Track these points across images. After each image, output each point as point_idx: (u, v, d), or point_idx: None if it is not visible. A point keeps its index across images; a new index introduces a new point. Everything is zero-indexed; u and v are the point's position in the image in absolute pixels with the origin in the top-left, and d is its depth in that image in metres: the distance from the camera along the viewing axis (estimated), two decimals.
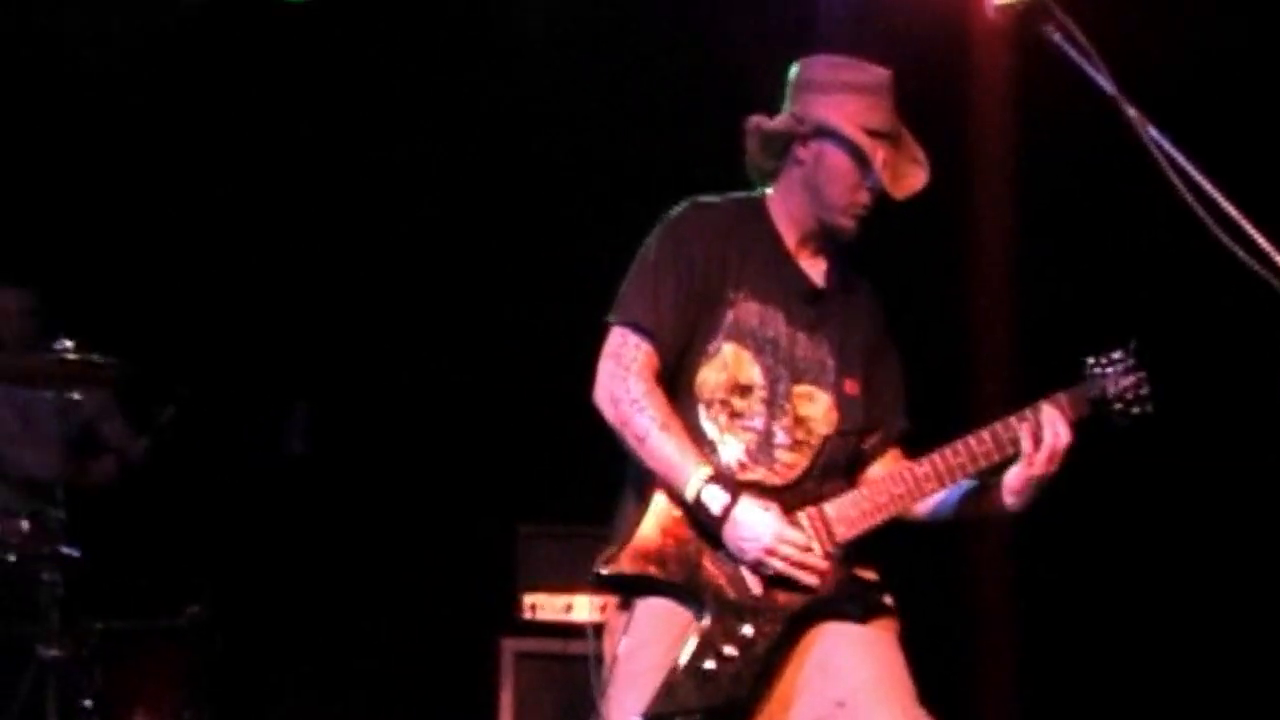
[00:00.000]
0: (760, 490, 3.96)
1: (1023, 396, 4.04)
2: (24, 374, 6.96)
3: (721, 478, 3.93)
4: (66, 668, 6.29)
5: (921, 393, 4.36)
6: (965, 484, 4.08)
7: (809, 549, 3.93)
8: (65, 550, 6.46)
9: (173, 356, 7.43)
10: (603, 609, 4.83)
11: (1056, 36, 3.29)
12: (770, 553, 3.89)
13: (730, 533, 3.90)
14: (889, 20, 5.97)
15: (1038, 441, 3.93)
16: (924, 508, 4.14)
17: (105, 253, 7.91)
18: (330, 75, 7.71)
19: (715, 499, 3.90)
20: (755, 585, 3.94)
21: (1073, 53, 3.27)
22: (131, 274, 7.93)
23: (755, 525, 3.89)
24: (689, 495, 3.91)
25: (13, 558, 6.52)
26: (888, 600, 4.08)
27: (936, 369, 4.93)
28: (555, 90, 7.48)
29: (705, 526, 3.94)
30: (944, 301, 6.51)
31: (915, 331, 4.43)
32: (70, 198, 7.96)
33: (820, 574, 3.94)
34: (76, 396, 6.85)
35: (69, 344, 6.56)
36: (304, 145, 7.79)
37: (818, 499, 4.01)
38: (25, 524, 6.61)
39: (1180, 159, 3.18)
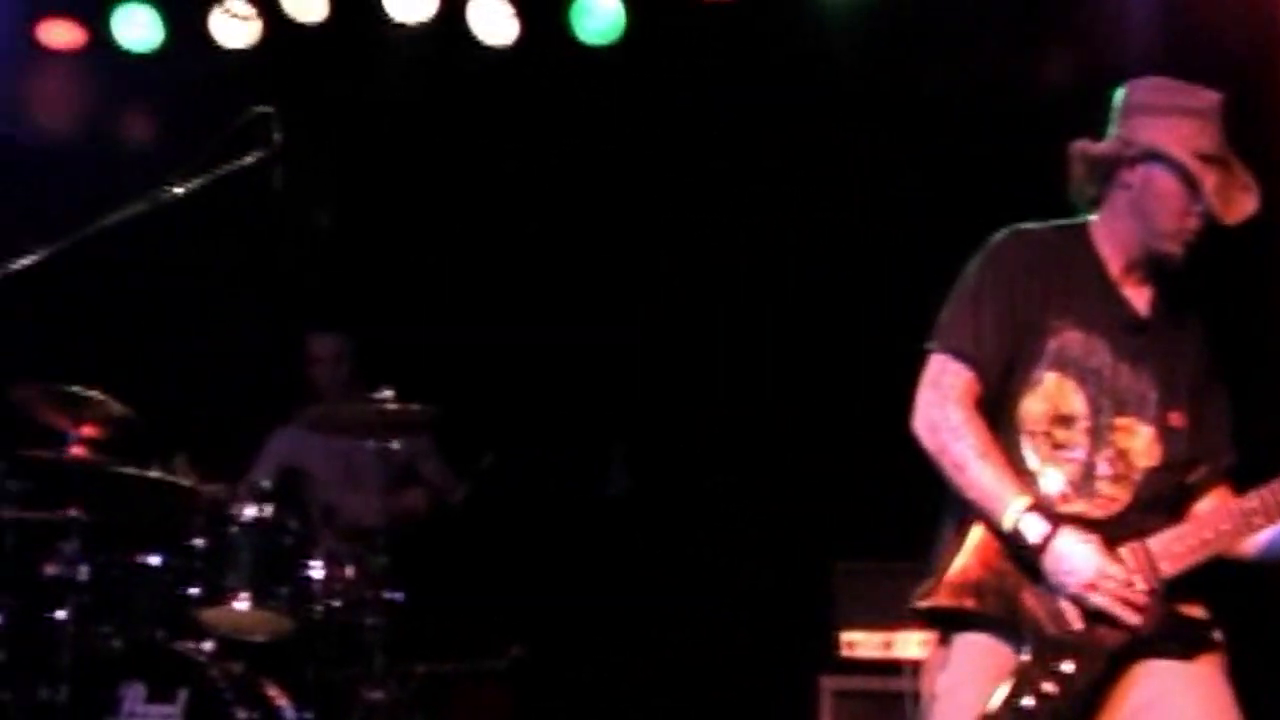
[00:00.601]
0: (1082, 523, 3.85)
1: None
2: (346, 424, 7.10)
3: (1040, 508, 3.81)
4: (390, 710, 6.36)
5: (1248, 425, 4.18)
6: None
7: (1131, 584, 3.79)
8: (388, 595, 6.55)
9: (493, 402, 7.54)
10: (925, 645, 4.73)
11: None
12: (1091, 587, 3.77)
13: (1050, 565, 3.79)
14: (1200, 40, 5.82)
15: None
16: (1252, 545, 3.98)
17: (420, 298, 8.06)
18: (638, 112, 7.76)
19: (1033, 529, 3.79)
20: (1076, 620, 3.81)
21: None
22: (447, 318, 8.06)
23: (1075, 558, 3.77)
24: (1006, 525, 3.81)
25: (338, 603, 6.64)
26: (1216, 636, 3.91)
27: (1263, 400, 4.73)
28: (869, 119, 7.44)
29: (1025, 559, 3.82)
30: (1267, 329, 6.28)
31: (1238, 361, 4.25)
32: (384, 245, 8.14)
33: (1142, 610, 3.79)
34: (395, 445, 6.94)
35: (388, 393, 6.67)
36: (613, 185, 7.84)
37: (1140, 533, 3.88)
38: (350, 570, 6.73)
39: None
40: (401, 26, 7.86)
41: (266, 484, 6.95)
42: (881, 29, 7.41)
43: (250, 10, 7.99)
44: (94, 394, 6.58)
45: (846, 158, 7.51)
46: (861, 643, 6.58)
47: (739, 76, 7.67)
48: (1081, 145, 4.09)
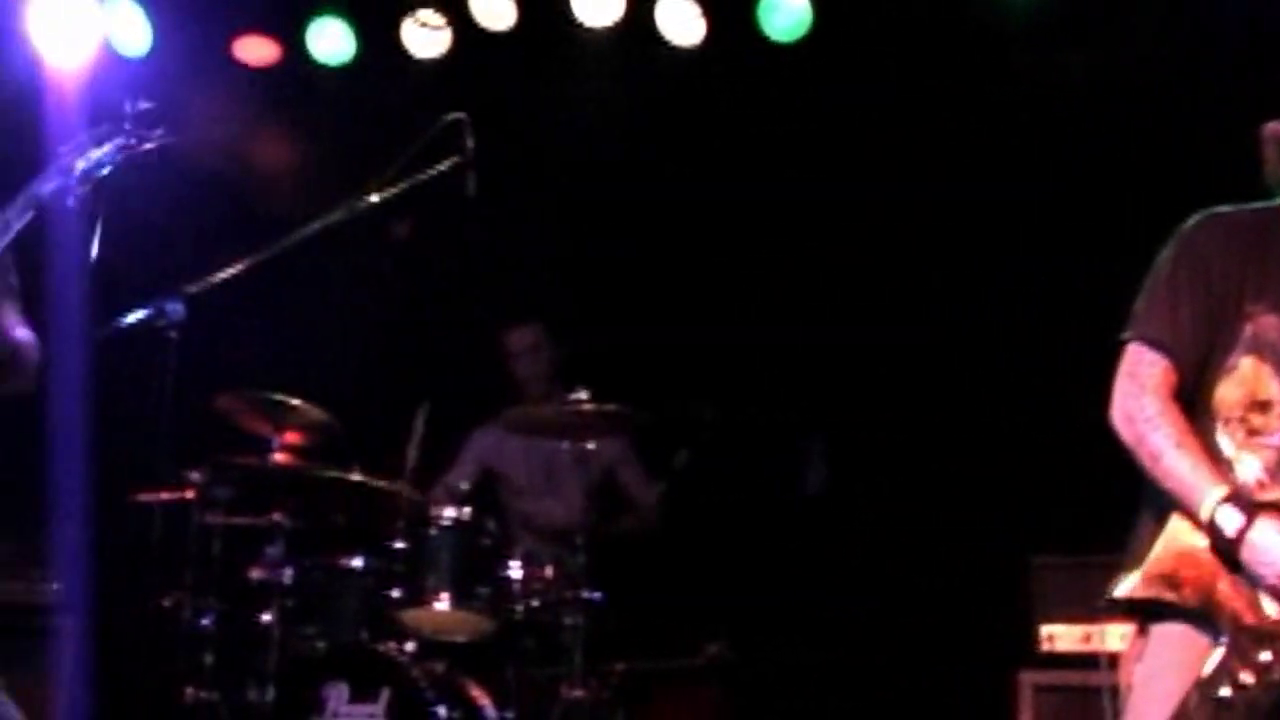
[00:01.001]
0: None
1: None
2: (543, 426, 7.16)
3: (1237, 498, 3.73)
4: (590, 709, 6.40)
5: None
6: None
7: None
8: (587, 595, 6.58)
9: (687, 400, 7.55)
10: (1124, 638, 4.67)
11: None
12: None
13: (1247, 556, 3.71)
14: None
15: None
16: None
17: (617, 299, 8.12)
18: (826, 108, 7.74)
19: (1230, 520, 3.71)
20: (1275, 610, 3.73)
21: None
22: (645, 318, 8.11)
23: (1272, 548, 3.69)
24: (1203, 516, 3.73)
25: (537, 603, 6.71)
26: None
27: None
28: (1060, 106, 7.35)
29: (1222, 549, 3.75)
30: None
31: None
32: (579, 247, 8.21)
33: None
34: (592, 446, 6.97)
35: (585, 394, 6.71)
36: (800, 181, 7.82)
37: None
38: (549, 570, 6.79)
39: None
40: (589, 29, 7.91)
41: (465, 486, 7.05)
42: (1063, 14, 7.31)
43: (441, 19, 8.10)
44: (295, 401, 6.72)
45: (1036, 149, 7.43)
46: (1061, 637, 6.49)
47: (929, 69, 7.62)
48: (1275, 127, 4.01)
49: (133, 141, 3.84)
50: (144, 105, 3.90)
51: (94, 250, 4.31)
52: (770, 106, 7.84)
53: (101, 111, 3.95)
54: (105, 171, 3.83)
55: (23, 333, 4.02)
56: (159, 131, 3.89)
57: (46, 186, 3.78)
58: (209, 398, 6.69)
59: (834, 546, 7.69)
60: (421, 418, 7.02)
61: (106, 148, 3.81)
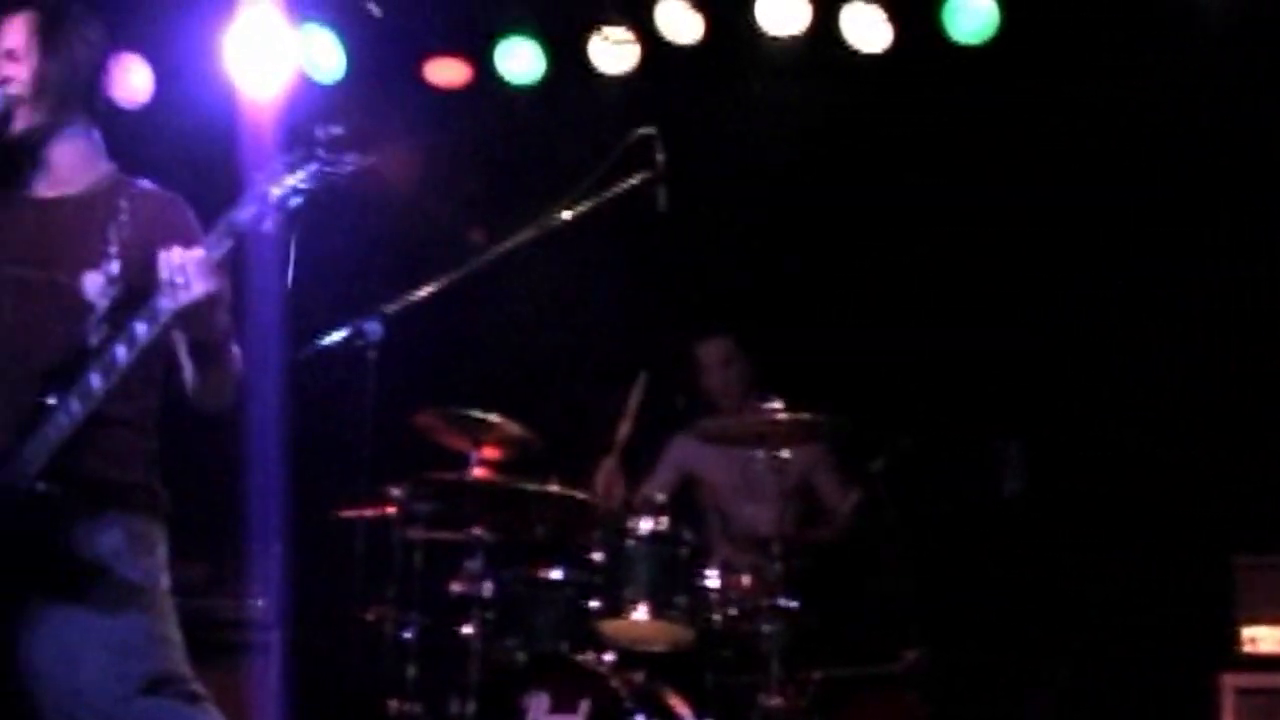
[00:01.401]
0: None
1: None
2: (738, 436, 7.19)
3: None
4: (789, 717, 6.41)
5: None
6: None
7: None
8: (784, 602, 6.58)
9: (883, 405, 7.54)
10: None
11: None
12: None
13: None
14: None
15: None
16: None
17: (809, 304, 8.13)
18: (1013, 110, 7.69)
19: None
20: None
21: None
22: (840, 323, 8.12)
23: None
24: None
25: (735, 612, 6.73)
26: None
27: None
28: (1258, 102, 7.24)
29: None
30: None
31: None
32: (769, 254, 8.23)
33: None
34: (787, 454, 6.98)
35: (778, 404, 6.72)
36: (992, 184, 7.78)
37: None
38: (746, 579, 6.81)
39: None
40: (775, 39, 7.92)
41: (662, 498, 7.09)
42: (1260, 14, 7.19)
43: (628, 35, 8.16)
44: (493, 417, 6.82)
45: (1232, 150, 7.32)
46: (1264, 638, 6.40)
47: (1119, 69, 7.54)
48: None
49: (327, 167, 3.92)
50: (336, 131, 3.98)
51: (289, 276, 4.42)
52: (958, 110, 7.79)
53: (296, 137, 4.03)
54: (300, 198, 3.92)
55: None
56: (352, 156, 3.97)
57: (244, 214, 3.88)
58: (409, 415, 6.81)
59: (1032, 550, 7.61)
60: (639, 390, 7.09)
61: (301, 174, 3.89)
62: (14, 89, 4.10)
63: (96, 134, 4.28)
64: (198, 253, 3.83)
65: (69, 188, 4.20)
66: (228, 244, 3.87)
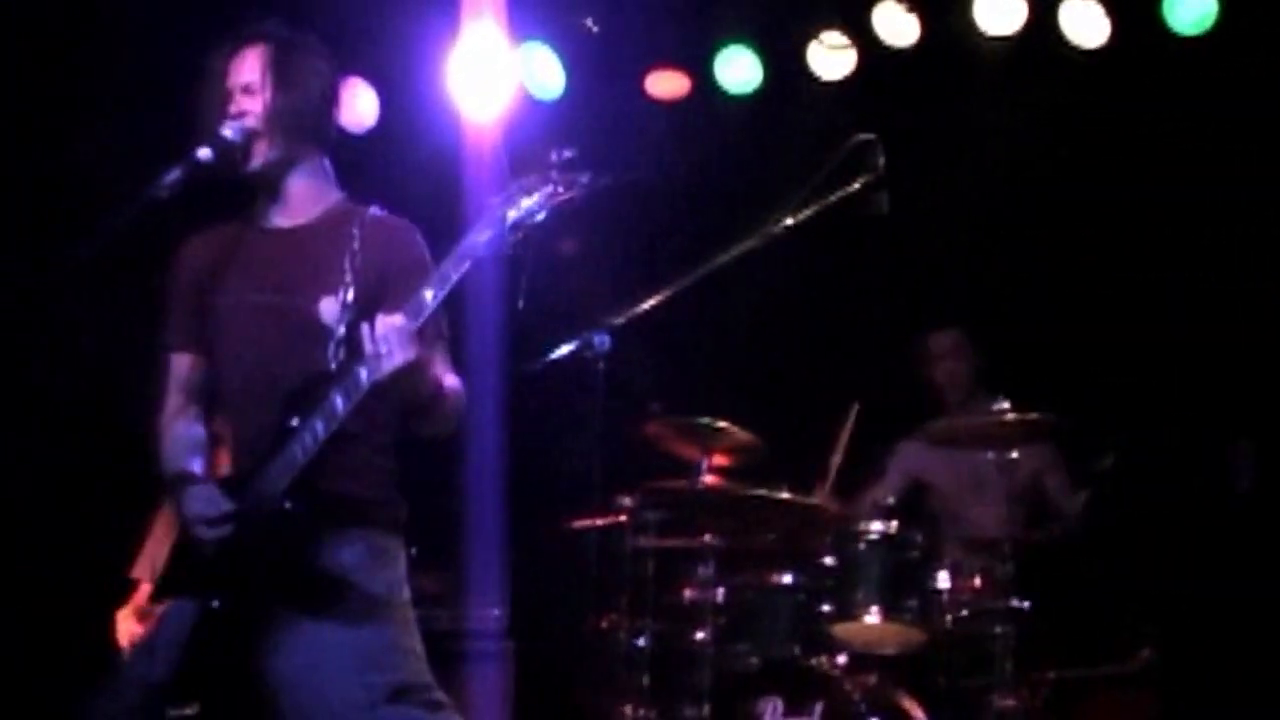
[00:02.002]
0: None
1: None
2: (965, 438, 7.18)
3: None
4: (1022, 717, 6.39)
5: None
6: None
7: None
8: (1015, 603, 6.56)
9: (1111, 404, 7.48)
10: None
11: None
12: None
13: None
14: None
15: None
16: None
17: (1032, 305, 8.08)
18: (1233, 101, 7.58)
19: None
20: None
21: None
22: (1061, 322, 8.06)
23: None
24: None
25: (965, 613, 6.74)
26: None
27: None
28: None
29: None
30: None
31: None
32: (993, 252, 8.19)
33: None
34: (1015, 455, 6.95)
35: (1005, 404, 6.70)
36: (1215, 176, 7.67)
37: None
38: (976, 580, 6.81)
39: None
40: (992, 39, 7.91)
41: (891, 500, 7.11)
42: None
43: (845, 41, 8.19)
44: (721, 424, 6.89)
45: None
46: None
47: None
48: None
49: (560, 189, 4.02)
50: (568, 154, 4.08)
51: (521, 299, 4.53)
52: (1178, 103, 7.70)
53: (520, 157, 4.14)
54: (535, 221, 4.02)
55: (451, 381, 4.25)
56: (585, 178, 4.06)
57: (480, 238, 3.98)
58: (638, 424, 6.92)
59: (1263, 548, 7.49)
60: (850, 420, 7.12)
61: (536, 197, 3.99)
62: (250, 123, 4.21)
63: (327, 163, 4.40)
64: (398, 320, 3.92)
65: (303, 217, 4.32)
66: (465, 267, 3.97)
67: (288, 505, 4.07)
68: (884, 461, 7.97)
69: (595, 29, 8.27)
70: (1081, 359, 7.91)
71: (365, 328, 3.94)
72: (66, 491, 6.89)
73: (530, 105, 8.18)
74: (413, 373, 3.99)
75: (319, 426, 4.04)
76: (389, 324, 3.92)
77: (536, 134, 4.18)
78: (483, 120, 7.82)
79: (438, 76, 8.03)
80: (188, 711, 4.00)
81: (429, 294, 4.01)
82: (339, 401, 4.02)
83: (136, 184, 4.12)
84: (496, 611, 7.49)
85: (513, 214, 3.97)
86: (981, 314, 7.91)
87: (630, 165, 7.82)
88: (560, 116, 8.20)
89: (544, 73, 8.35)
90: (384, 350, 3.90)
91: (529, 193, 3.98)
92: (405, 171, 7.46)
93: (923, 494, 7.89)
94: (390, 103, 8.31)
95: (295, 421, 4.07)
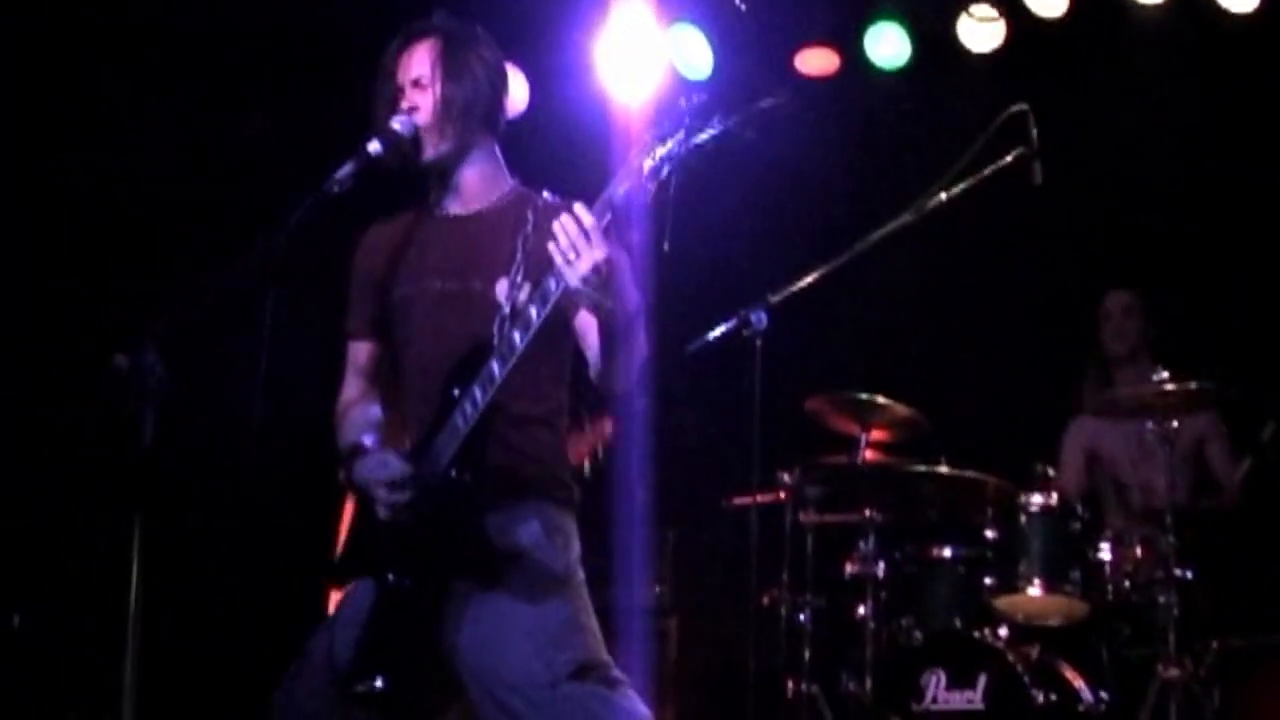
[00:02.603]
0: None
1: None
2: (1131, 407, 7.15)
3: None
4: (1187, 688, 6.37)
5: None
6: None
7: None
8: (1179, 573, 6.53)
9: (1273, 373, 7.43)
10: None
11: None
12: None
13: None
14: None
15: None
16: None
17: (1193, 272, 8.04)
18: None
19: None
20: None
21: None
22: (1219, 290, 8.02)
23: None
24: None
25: (1128, 584, 6.74)
26: None
27: None
28: None
29: None
30: None
31: None
32: (1147, 224, 8.15)
33: None
34: (1177, 425, 6.93)
35: (1164, 374, 6.68)
36: None
37: None
38: (1139, 551, 6.78)
39: None
40: (1142, 6, 7.91)
41: (1050, 471, 7.09)
42: None
43: (994, 13, 8.19)
44: (881, 399, 6.96)
45: None
46: None
47: None
48: None
49: (693, 133, 4.03)
50: (699, 96, 4.10)
51: (665, 245, 4.53)
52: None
53: (663, 111, 4.16)
54: (671, 166, 4.02)
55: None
56: (715, 120, 4.07)
57: (619, 190, 3.99)
58: (798, 401, 6.97)
59: None
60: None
61: (670, 144, 3.99)
62: (421, 117, 4.29)
63: (498, 150, 4.45)
64: (584, 214, 3.85)
65: (478, 204, 4.39)
66: (606, 218, 3.95)
67: (453, 474, 4.11)
68: (1061, 445, 7.92)
69: (744, 7, 8.31)
70: (1242, 327, 7.85)
71: (553, 236, 3.86)
72: (259, 486, 7.08)
73: (679, 86, 8.23)
74: (610, 277, 3.90)
75: (477, 393, 4.06)
76: (574, 219, 3.85)
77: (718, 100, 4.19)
78: (631, 102, 7.90)
79: (587, 60, 8.12)
80: (372, 685, 4.07)
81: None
82: (495, 367, 4.04)
83: (313, 177, 4.22)
84: (661, 588, 7.64)
85: (649, 163, 3.98)
86: (1139, 283, 7.86)
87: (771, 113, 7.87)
88: (708, 96, 8.21)
89: (693, 53, 8.41)
90: (572, 257, 3.85)
91: (663, 140, 3.99)
92: (555, 154, 7.53)
93: (1095, 466, 7.86)
94: (541, 88, 8.39)
95: (456, 392, 4.11)
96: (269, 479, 6.85)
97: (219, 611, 7.25)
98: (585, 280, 3.85)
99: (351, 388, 4.47)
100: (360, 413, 4.39)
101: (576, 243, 3.84)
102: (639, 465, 7.17)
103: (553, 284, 3.94)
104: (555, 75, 8.35)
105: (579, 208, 3.88)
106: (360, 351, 4.48)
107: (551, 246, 3.88)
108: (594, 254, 3.84)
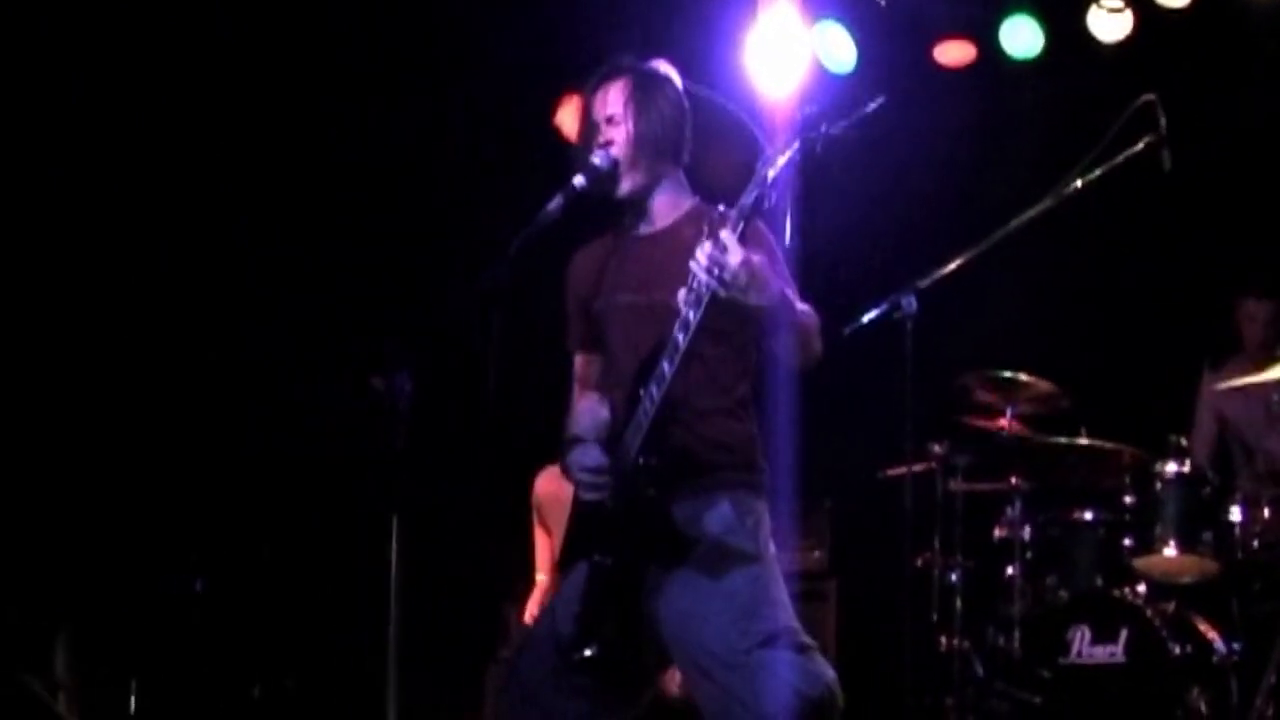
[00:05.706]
0: None
1: None
2: (1254, 370, 7.45)
3: None
4: None
5: None
6: None
7: None
8: None
9: None
10: None
11: None
12: None
13: None
14: None
15: None
16: None
17: None
18: None
19: None
20: None
21: None
22: None
23: None
24: None
25: (1257, 544, 7.09)
26: None
27: None
28: None
29: None
30: None
31: None
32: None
33: None
34: None
35: None
36: None
37: None
38: (1267, 512, 7.10)
39: None
40: None
41: (1183, 441, 7.41)
42: None
43: (1120, 3, 8.43)
44: (1025, 376, 7.36)
45: None
46: None
47: None
48: None
49: (806, 140, 4.43)
50: (810, 108, 4.48)
51: (788, 239, 4.83)
52: None
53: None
54: (787, 171, 4.42)
55: (801, 305, 4.68)
56: (823, 128, 4.44)
57: (749, 199, 4.42)
58: (947, 379, 7.37)
59: None
60: None
61: (788, 153, 4.42)
62: (616, 151, 4.71)
63: (682, 174, 4.86)
64: (722, 233, 4.25)
65: (662, 223, 4.82)
66: (741, 226, 4.39)
67: (640, 461, 4.54)
68: (1195, 406, 8.22)
69: (884, 3, 8.65)
70: None
71: (693, 263, 4.29)
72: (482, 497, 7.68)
73: (823, 80, 8.52)
74: (750, 279, 4.29)
75: (654, 390, 4.48)
76: (710, 244, 4.27)
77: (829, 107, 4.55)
78: (778, 97, 8.23)
79: (735, 58, 8.36)
80: (588, 653, 4.53)
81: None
82: (665, 365, 4.44)
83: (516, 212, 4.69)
84: (820, 553, 8.06)
85: (771, 172, 4.40)
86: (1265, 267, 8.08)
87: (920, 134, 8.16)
88: (852, 89, 8.48)
89: (837, 48, 8.70)
90: (716, 268, 4.24)
91: (783, 151, 4.41)
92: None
93: (1224, 429, 8.15)
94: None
95: (642, 391, 4.54)
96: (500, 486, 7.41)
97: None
98: (724, 283, 4.28)
99: (578, 395, 4.92)
100: (582, 412, 4.80)
101: (712, 253, 4.28)
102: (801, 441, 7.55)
103: (701, 288, 4.35)
104: (704, 72, 8.62)
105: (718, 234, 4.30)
106: (579, 364, 4.95)
107: (693, 266, 4.32)
108: (728, 259, 4.27)
